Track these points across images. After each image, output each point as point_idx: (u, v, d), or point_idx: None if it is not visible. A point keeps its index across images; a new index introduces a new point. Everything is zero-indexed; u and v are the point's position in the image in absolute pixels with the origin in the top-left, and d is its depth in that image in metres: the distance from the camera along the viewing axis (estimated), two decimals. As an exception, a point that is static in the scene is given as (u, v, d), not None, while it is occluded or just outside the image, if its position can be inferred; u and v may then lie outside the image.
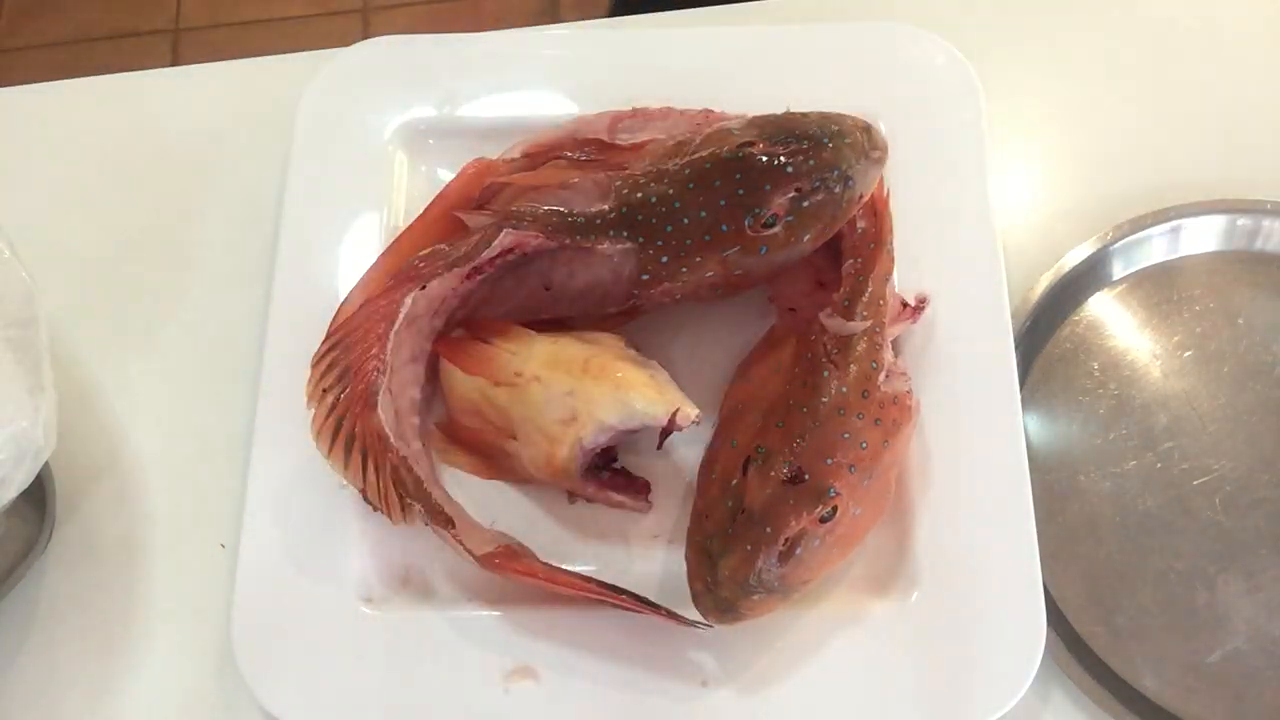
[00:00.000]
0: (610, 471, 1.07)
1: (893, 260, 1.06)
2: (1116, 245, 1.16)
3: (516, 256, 1.04)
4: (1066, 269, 1.15)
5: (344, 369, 1.01)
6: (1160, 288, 1.16)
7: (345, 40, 1.20)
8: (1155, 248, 1.17)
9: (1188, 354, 1.13)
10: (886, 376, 1.00)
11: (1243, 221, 1.16)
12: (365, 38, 1.20)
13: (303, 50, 1.30)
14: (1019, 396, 1.04)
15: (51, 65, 3.00)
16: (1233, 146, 1.21)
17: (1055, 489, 1.09)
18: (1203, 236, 1.17)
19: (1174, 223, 1.16)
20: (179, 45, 2.97)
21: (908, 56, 1.20)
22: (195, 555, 1.09)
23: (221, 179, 1.24)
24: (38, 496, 1.05)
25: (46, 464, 1.00)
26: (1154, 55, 1.26)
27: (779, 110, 1.05)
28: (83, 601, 1.08)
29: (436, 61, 1.24)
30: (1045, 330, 1.16)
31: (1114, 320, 1.16)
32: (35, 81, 1.31)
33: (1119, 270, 1.17)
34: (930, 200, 1.13)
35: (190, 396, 1.16)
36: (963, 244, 1.11)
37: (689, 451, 1.08)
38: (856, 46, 1.21)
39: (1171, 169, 1.20)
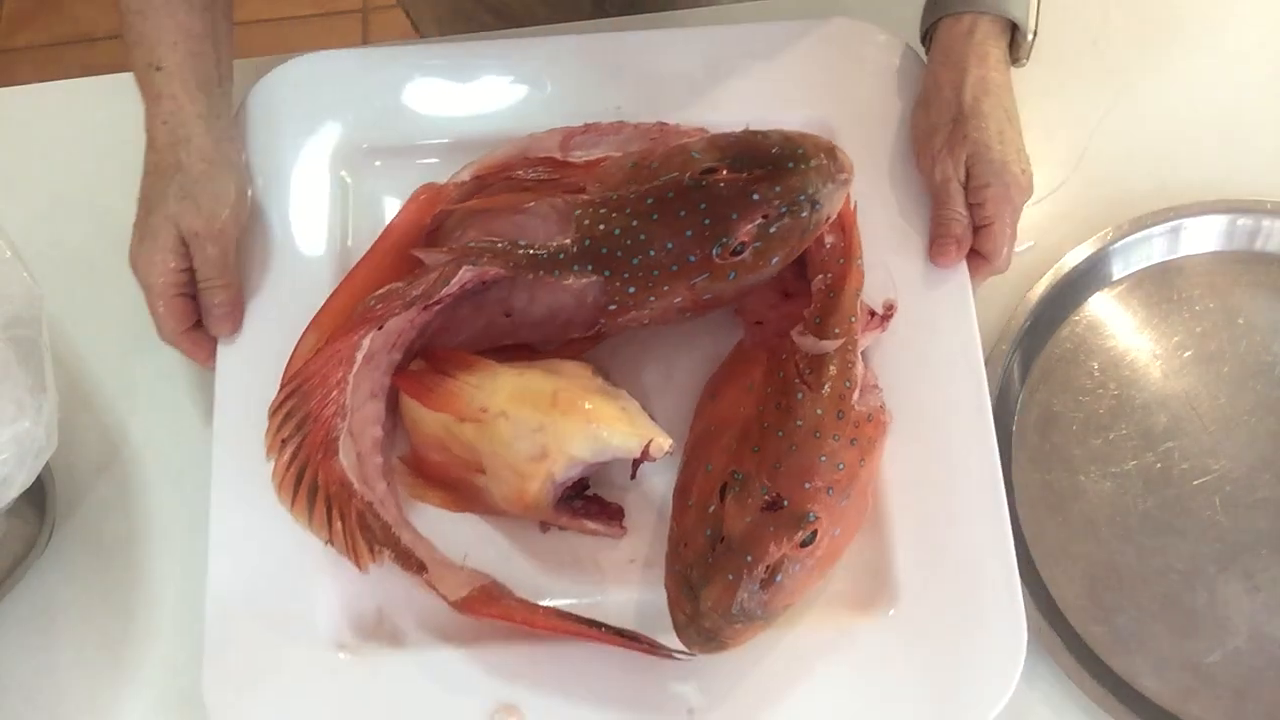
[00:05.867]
0: (583, 500, 1.06)
1: (862, 275, 1.04)
2: (1116, 245, 1.15)
3: (475, 284, 1.03)
4: (1066, 269, 1.15)
5: (303, 417, 0.99)
6: (1160, 288, 1.16)
7: (346, 40, 1.19)
8: (1155, 248, 1.17)
9: (1188, 354, 1.12)
10: (860, 393, 0.99)
11: (1243, 221, 1.16)
12: (365, 38, 1.19)
13: (303, 50, 1.26)
14: (989, 398, 1.04)
15: (51, 65, 2.99)
16: (1233, 146, 1.21)
17: (1055, 489, 1.09)
18: (1203, 236, 1.17)
19: (1174, 223, 1.15)
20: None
21: (861, 55, 1.20)
22: (195, 555, 1.05)
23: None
24: (38, 496, 1.05)
25: (47, 464, 1.00)
26: (1154, 55, 1.25)
27: (739, 116, 1.04)
28: (82, 601, 1.07)
29: (376, 79, 1.22)
30: (1045, 330, 1.15)
31: (1114, 320, 1.15)
32: (35, 81, 1.31)
33: (1119, 270, 1.17)
34: (890, 201, 1.13)
35: (190, 396, 1.15)
36: (924, 246, 1.11)
37: (662, 471, 1.07)
38: (838, 47, 1.20)
39: (1171, 169, 1.19)
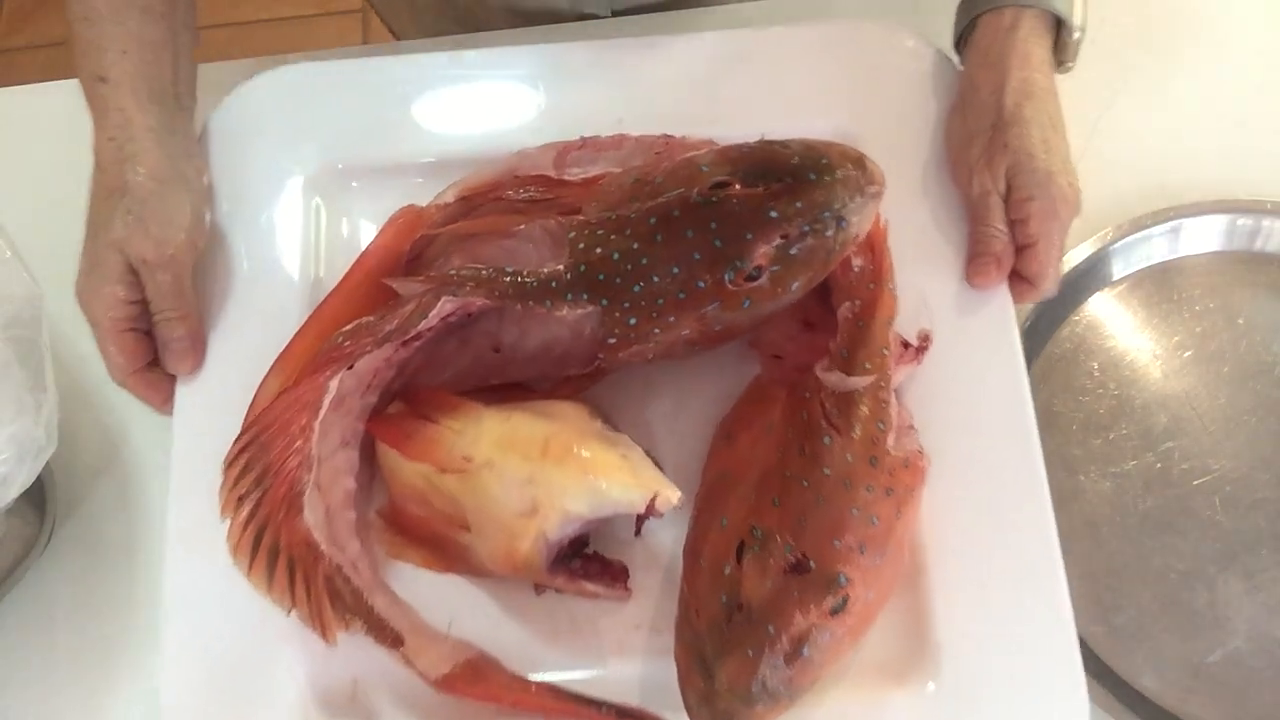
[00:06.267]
0: (581, 559, 0.79)
1: (895, 301, 0.79)
2: (1116, 245, 0.97)
3: (459, 317, 0.77)
4: (1066, 269, 0.96)
5: (262, 470, 0.73)
6: (1160, 288, 0.98)
7: (345, 40, 1.01)
8: (1155, 248, 0.98)
9: (1188, 354, 0.95)
10: (895, 437, 0.75)
11: (1243, 221, 0.98)
12: (365, 38, 0.97)
13: (303, 50, 1.07)
14: (1037, 437, 0.80)
15: (51, 65, 2.66)
16: (1233, 146, 1.02)
17: (1055, 489, 0.87)
18: (1203, 236, 0.99)
19: (1174, 223, 0.97)
20: (180, 45, 2.66)
21: (887, 60, 0.92)
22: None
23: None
24: (38, 496, 0.89)
25: (47, 464, 0.85)
26: (1155, 56, 1.06)
27: (752, 127, 0.79)
28: (82, 601, 0.91)
29: (352, 93, 0.92)
30: (1045, 330, 0.98)
31: (1114, 320, 0.97)
32: (35, 81, 1.11)
33: (1119, 270, 0.98)
34: (922, 219, 0.86)
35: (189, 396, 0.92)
36: (961, 268, 0.85)
37: (671, 525, 0.80)
38: (849, 48, 0.92)
39: (1171, 169, 1.00)
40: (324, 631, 0.73)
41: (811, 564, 0.69)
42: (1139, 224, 0.97)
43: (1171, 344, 0.95)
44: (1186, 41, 1.07)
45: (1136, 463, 0.92)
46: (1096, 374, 0.95)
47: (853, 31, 0.92)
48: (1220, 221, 0.98)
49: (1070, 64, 0.86)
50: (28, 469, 0.81)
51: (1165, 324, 0.96)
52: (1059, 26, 0.85)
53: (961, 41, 0.89)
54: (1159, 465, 0.92)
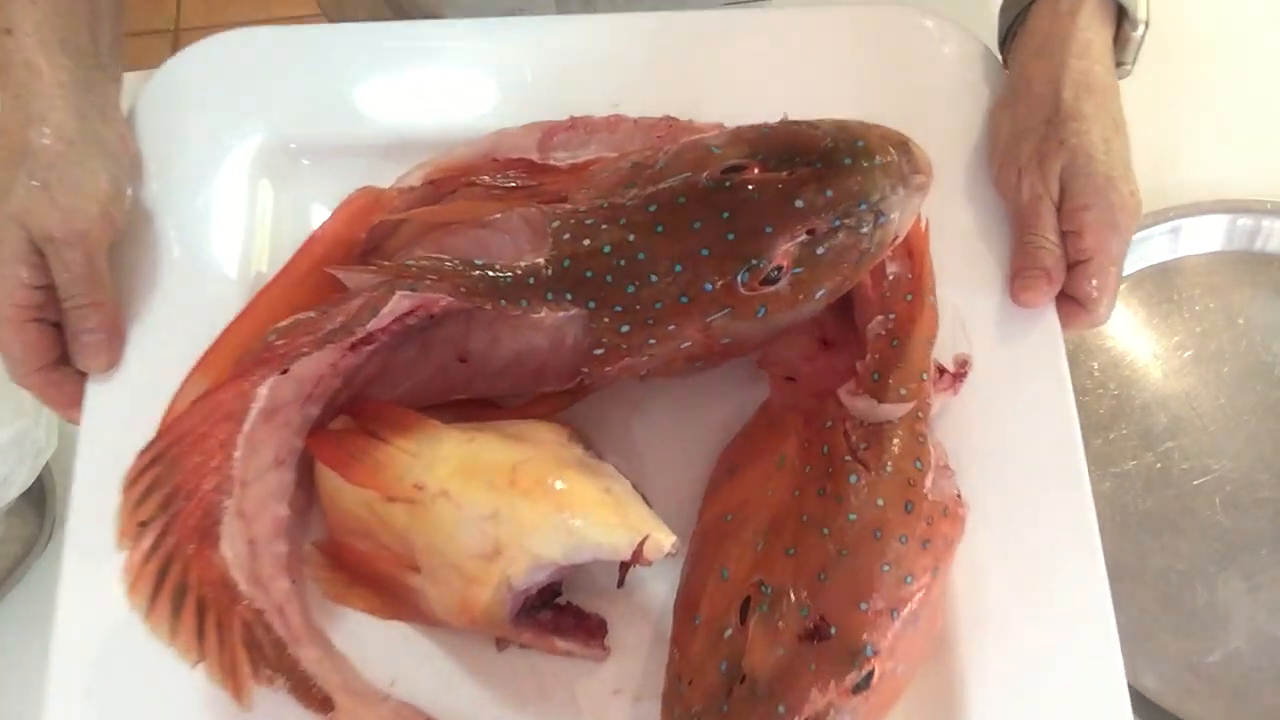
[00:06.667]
0: (553, 610, 0.58)
1: (936, 318, 0.59)
2: None
3: (419, 319, 0.56)
4: None
5: (171, 491, 0.52)
6: (1160, 288, 0.91)
7: None
8: (1155, 248, 0.91)
9: (1188, 354, 0.89)
10: (933, 478, 0.55)
11: (1243, 221, 0.91)
12: None
13: None
14: (1088, 480, 0.62)
15: None
16: (1233, 146, 0.94)
17: None
18: (1203, 236, 0.91)
19: (1174, 223, 0.90)
20: (179, 45, 2.40)
21: (921, 48, 0.73)
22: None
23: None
24: (38, 496, 0.82)
25: (47, 464, 0.79)
26: (1154, 56, 0.89)
27: (766, 116, 0.57)
28: None
29: (308, 61, 0.71)
30: None
31: (1114, 320, 0.86)
32: None
33: None
34: (961, 226, 0.67)
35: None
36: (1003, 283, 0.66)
37: (661, 572, 0.61)
38: (890, 38, 0.73)
39: (1171, 169, 0.92)
40: (236, 690, 0.51)
41: (832, 630, 0.51)
42: (1139, 224, 0.83)
43: (1171, 344, 0.88)
44: (1186, 41, 0.96)
45: (1136, 463, 0.85)
46: (1096, 374, 0.87)
47: (881, 16, 0.74)
48: (1220, 221, 0.90)
49: (1129, 66, 0.68)
50: (28, 469, 0.75)
51: (1165, 324, 0.89)
52: (1120, 19, 0.67)
53: (1009, 37, 0.71)
54: (1159, 465, 0.84)
